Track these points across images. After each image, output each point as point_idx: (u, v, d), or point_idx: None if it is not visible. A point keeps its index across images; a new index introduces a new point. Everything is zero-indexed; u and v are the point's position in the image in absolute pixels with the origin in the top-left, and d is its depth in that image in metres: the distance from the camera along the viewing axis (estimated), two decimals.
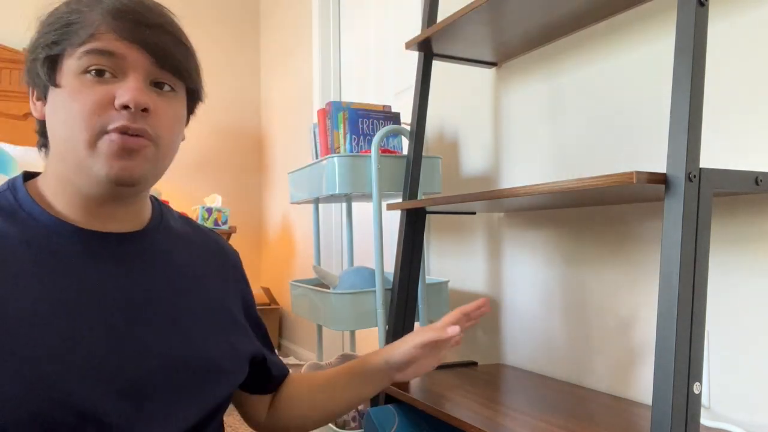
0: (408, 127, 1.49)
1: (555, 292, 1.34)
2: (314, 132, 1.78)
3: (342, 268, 2.65)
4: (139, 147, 0.63)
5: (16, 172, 2.66)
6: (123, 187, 0.65)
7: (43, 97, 0.66)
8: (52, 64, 0.63)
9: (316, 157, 1.78)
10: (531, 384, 1.24)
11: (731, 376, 0.98)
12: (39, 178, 0.70)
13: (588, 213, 1.26)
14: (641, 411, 1.04)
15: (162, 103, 0.66)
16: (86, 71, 0.62)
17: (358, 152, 1.58)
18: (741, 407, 0.96)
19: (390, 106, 1.69)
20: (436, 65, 1.76)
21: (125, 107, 0.61)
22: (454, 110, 1.72)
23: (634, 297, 1.15)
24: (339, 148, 1.62)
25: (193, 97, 0.74)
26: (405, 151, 1.82)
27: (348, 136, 1.59)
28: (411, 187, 1.41)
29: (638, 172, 0.75)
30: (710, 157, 1.02)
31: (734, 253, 0.98)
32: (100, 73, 0.62)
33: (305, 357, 2.94)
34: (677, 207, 0.74)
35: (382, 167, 1.47)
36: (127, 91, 0.61)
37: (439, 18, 1.55)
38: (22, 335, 0.57)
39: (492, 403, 1.07)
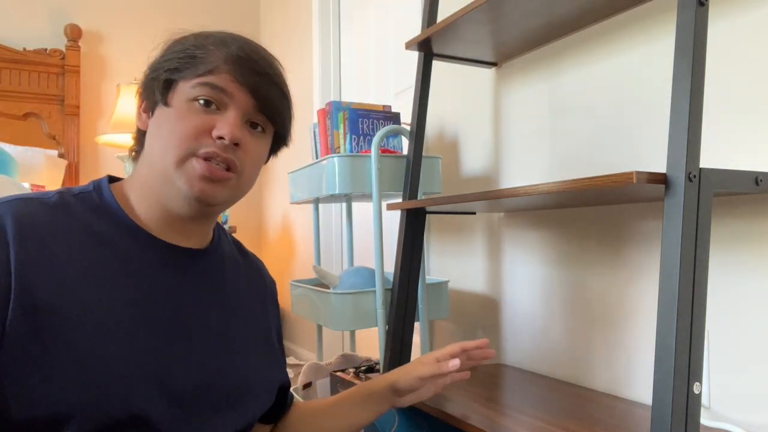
0: (408, 127, 1.49)
1: (555, 292, 1.34)
2: (314, 132, 1.78)
3: (342, 268, 2.65)
4: (224, 178, 0.69)
5: (16, 172, 2.65)
6: (201, 205, 0.70)
7: (150, 111, 0.72)
8: (168, 85, 0.70)
9: (316, 157, 1.78)
10: (531, 384, 1.24)
11: (731, 376, 0.98)
12: (124, 182, 0.74)
13: (588, 213, 1.26)
14: (641, 411, 1.04)
15: (252, 140, 0.73)
16: (196, 99, 0.68)
17: (358, 152, 1.58)
18: (741, 407, 0.96)
19: (390, 106, 1.69)
20: (436, 65, 1.76)
21: (220, 138, 0.68)
22: (454, 110, 1.72)
23: (634, 297, 1.15)
24: (339, 148, 1.62)
25: (279, 141, 0.80)
26: (405, 151, 1.82)
27: (348, 136, 1.59)
28: (411, 187, 1.41)
29: (638, 172, 0.75)
30: (710, 157, 1.02)
31: (734, 253, 0.98)
32: (208, 103, 0.69)
33: (305, 357, 2.94)
34: (677, 207, 0.74)
35: (382, 167, 1.47)
36: (226, 125, 0.68)
37: (439, 18, 1.55)
38: (89, 333, 0.60)
39: (492, 403, 1.07)
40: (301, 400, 0.94)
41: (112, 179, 0.74)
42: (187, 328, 0.69)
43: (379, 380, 0.90)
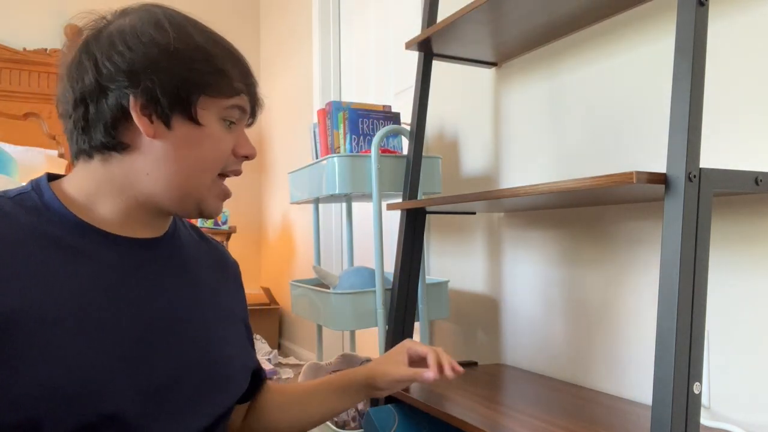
0: (408, 127, 1.49)
1: (555, 292, 1.34)
2: (314, 132, 1.78)
3: (342, 268, 2.65)
4: None
5: (16, 172, 2.65)
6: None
7: (161, 118, 0.66)
8: (196, 99, 0.67)
9: (316, 157, 1.78)
10: (531, 384, 1.24)
11: (731, 376, 0.98)
12: (67, 181, 0.70)
13: (588, 213, 1.26)
14: (641, 411, 1.04)
15: None
16: (226, 119, 0.71)
17: (358, 152, 1.58)
18: (741, 407, 0.96)
19: (390, 106, 1.69)
20: (436, 65, 1.76)
21: (245, 157, 0.74)
22: (454, 110, 1.72)
23: (634, 297, 1.15)
24: (339, 148, 1.62)
25: None
26: (405, 151, 1.82)
27: (348, 136, 1.59)
28: (411, 187, 1.41)
29: (638, 172, 0.75)
30: (710, 157, 1.02)
31: (734, 253, 0.98)
32: (232, 123, 0.72)
33: (305, 357, 2.94)
34: (677, 207, 0.74)
35: (382, 167, 1.47)
36: (248, 145, 0.74)
37: (439, 18, 1.55)
38: (49, 336, 0.58)
39: (492, 403, 1.07)
40: (275, 384, 0.94)
41: (52, 177, 0.71)
42: (154, 319, 0.67)
43: (357, 373, 0.90)
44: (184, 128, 0.68)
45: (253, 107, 0.75)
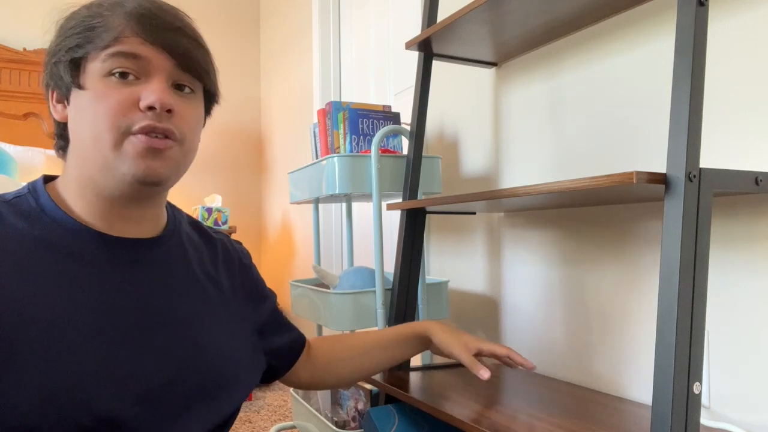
0: (408, 127, 1.49)
1: (555, 292, 1.34)
2: (314, 132, 1.78)
3: (342, 268, 2.65)
4: (165, 147, 0.65)
5: (16, 172, 2.66)
6: (148, 187, 0.66)
7: (65, 100, 0.67)
8: (76, 66, 0.64)
9: (316, 157, 1.78)
10: (531, 384, 1.23)
11: (731, 376, 0.98)
12: (58, 181, 0.69)
13: (588, 213, 1.26)
14: (641, 411, 1.04)
15: (184, 104, 0.68)
16: (110, 73, 0.63)
17: (358, 152, 1.58)
18: (741, 407, 0.96)
19: (390, 106, 1.69)
20: (437, 65, 1.77)
21: (150, 108, 0.63)
22: (454, 110, 1.72)
23: (634, 297, 1.15)
24: (339, 148, 1.62)
25: (210, 99, 0.75)
26: (405, 151, 1.81)
27: (348, 136, 1.59)
28: (411, 187, 1.41)
29: (638, 172, 0.75)
30: (710, 157, 1.02)
31: (734, 253, 0.98)
32: (124, 75, 0.63)
33: None
34: (677, 207, 0.74)
35: (382, 167, 1.47)
36: (152, 92, 0.63)
37: (439, 18, 1.55)
38: (44, 340, 0.58)
39: (492, 403, 1.07)
40: (336, 336, 1.01)
41: (49, 179, 0.70)
42: (150, 322, 0.66)
43: (422, 329, 1.00)
44: (77, 99, 0.65)
45: (177, 57, 0.65)
